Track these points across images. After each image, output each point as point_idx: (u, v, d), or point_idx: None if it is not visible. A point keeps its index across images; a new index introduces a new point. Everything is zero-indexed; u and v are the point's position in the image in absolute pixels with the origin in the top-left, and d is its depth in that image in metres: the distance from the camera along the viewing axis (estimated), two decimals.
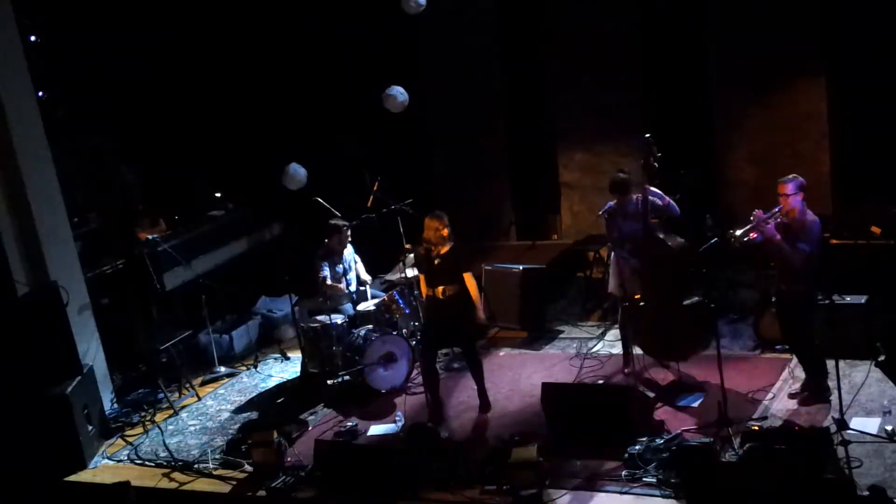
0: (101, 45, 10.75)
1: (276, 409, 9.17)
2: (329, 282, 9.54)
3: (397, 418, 8.38)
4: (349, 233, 9.72)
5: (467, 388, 8.55)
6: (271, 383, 9.92)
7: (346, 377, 9.19)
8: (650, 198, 8.02)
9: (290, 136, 11.52)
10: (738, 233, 7.29)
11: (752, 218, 7.30)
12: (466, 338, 8.43)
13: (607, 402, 7.61)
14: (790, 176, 7.35)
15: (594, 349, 9.45)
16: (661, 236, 8.02)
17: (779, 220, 7.30)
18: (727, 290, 9.93)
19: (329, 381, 9.24)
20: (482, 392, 8.41)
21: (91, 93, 10.88)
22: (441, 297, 8.17)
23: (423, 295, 8.51)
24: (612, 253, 8.67)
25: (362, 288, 9.93)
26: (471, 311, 8.21)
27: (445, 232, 8.16)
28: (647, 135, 8.08)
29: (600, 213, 8.52)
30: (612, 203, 8.40)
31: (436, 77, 12.60)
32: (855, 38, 10.25)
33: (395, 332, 9.17)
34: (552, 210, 12.58)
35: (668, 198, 8.25)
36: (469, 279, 8.22)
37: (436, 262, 8.19)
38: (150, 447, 8.68)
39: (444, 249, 8.20)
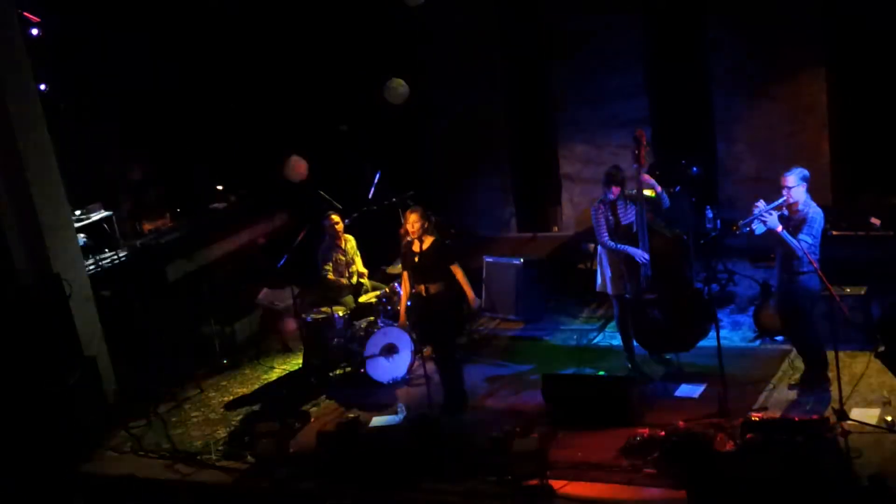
0: (101, 38, 10.75)
1: (278, 400, 9.20)
2: (332, 276, 9.57)
3: (399, 409, 8.42)
4: (335, 218, 9.70)
5: (467, 379, 8.57)
6: (273, 375, 9.96)
7: (348, 368, 9.23)
8: (644, 189, 8.08)
9: (292, 129, 11.52)
10: (741, 223, 7.33)
11: (754, 208, 7.33)
12: (445, 337, 8.34)
13: (608, 393, 7.65)
14: (794, 168, 7.37)
15: (594, 340, 9.48)
16: (658, 228, 8.06)
17: (783, 211, 7.33)
18: (727, 281, 9.97)
19: (331, 373, 9.28)
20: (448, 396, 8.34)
21: (92, 86, 10.87)
22: (425, 294, 8.13)
23: (405, 294, 8.42)
24: (599, 248, 8.62)
25: (362, 280, 9.95)
26: (454, 310, 8.12)
27: (423, 224, 8.05)
28: (637, 130, 8.16)
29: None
30: (610, 196, 8.34)
31: (437, 69, 12.59)
32: (855, 30, 10.25)
33: (396, 324, 9.20)
34: (553, 202, 12.59)
35: (659, 187, 8.29)
36: (457, 270, 8.17)
37: (416, 259, 8.12)
38: (153, 438, 8.72)
39: (427, 244, 8.14)
